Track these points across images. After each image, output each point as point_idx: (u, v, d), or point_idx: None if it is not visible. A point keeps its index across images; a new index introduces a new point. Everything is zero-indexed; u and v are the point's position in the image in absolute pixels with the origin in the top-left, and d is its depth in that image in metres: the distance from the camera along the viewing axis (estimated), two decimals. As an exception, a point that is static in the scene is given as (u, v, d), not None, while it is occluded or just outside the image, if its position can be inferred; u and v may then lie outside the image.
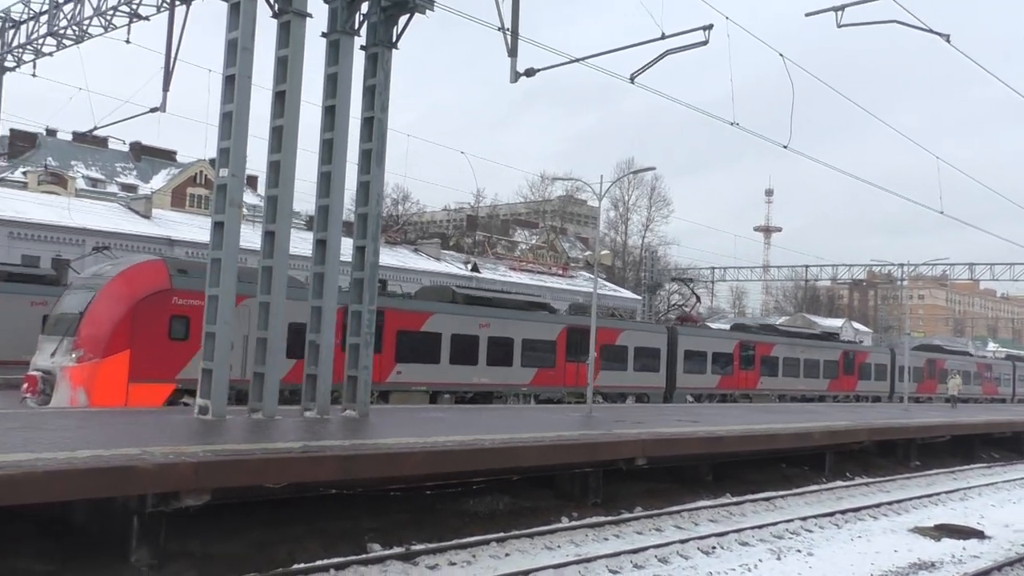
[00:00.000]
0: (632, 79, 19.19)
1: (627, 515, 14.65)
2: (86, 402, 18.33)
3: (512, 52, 18.04)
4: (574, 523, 13.68)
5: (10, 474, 8.22)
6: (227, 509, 10.77)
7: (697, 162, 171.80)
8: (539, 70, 18.88)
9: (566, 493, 15.35)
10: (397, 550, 11.15)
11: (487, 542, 11.92)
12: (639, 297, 69.59)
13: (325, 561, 10.36)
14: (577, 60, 19.29)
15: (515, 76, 18.45)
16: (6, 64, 21.35)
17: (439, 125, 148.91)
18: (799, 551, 13.04)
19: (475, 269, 60.87)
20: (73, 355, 18.94)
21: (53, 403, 18.38)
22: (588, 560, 11.47)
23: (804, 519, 15.35)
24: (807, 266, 59.58)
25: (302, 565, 10.13)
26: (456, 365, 25.83)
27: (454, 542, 11.75)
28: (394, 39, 17.33)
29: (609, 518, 14.21)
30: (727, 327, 47.03)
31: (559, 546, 12.36)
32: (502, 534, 12.36)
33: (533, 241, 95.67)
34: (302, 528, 11.56)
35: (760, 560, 12.29)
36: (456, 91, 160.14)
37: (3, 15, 20.92)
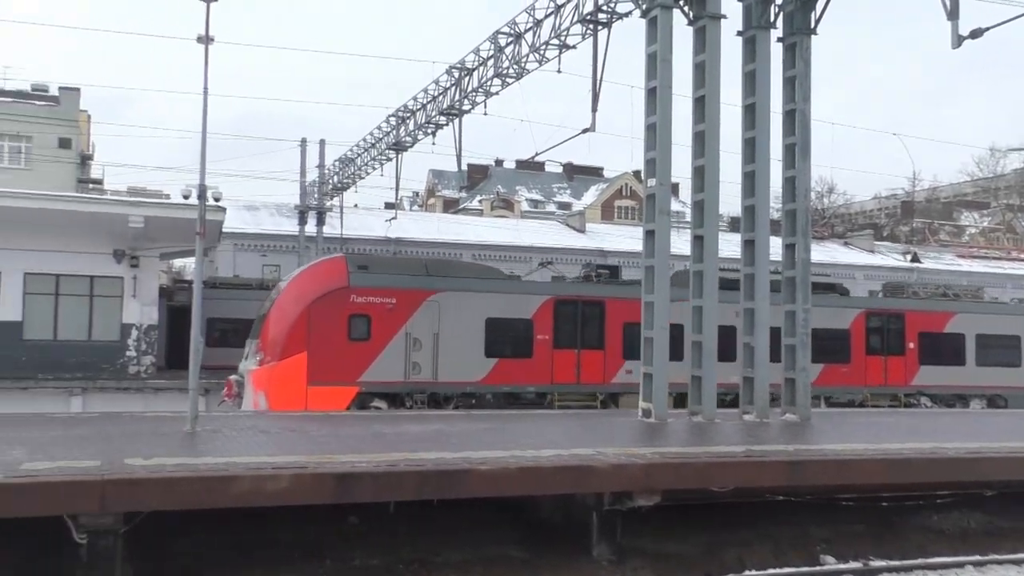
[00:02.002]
0: (1116, 18, 15.95)
1: None
2: (266, 406, 17.83)
3: (952, 14, 16.08)
4: (1072, 550, 11.66)
5: (491, 469, 9.31)
6: (675, 510, 11.04)
7: None
8: (987, 29, 16.57)
9: (1057, 514, 13.17)
10: (854, 564, 10.47)
11: (961, 564, 10.63)
12: None
13: (776, 570, 10.10)
14: (1038, 8, 16.56)
15: (958, 41, 16.39)
16: (463, 108, 24.53)
17: (866, 109, 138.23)
18: None
19: (915, 259, 55.42)
20: (256, 358, 18.76)
21: (243, 406, 18.32)
22: (1096, 596, 9.69)
23: None
24: None
25: (753, 572, 9.98)
26: None
27: (919, 561, 10.70)
28: (812, 25, 16.52)
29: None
30: None
31: (1055, 577, 10.62)
32: (978, 557, 10.96)
33: (984, 224, 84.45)
34: (749, 533, 11.41)
35: None
36: (883, 69, 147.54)
37: (459, 66, 24.07)
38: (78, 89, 38.77)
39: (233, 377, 19.34)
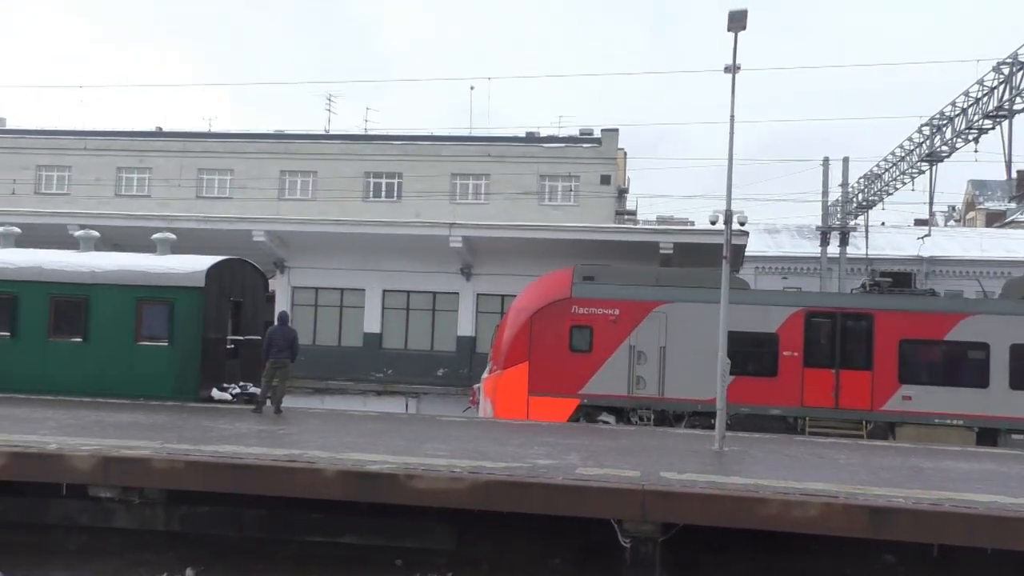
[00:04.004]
0: None
1: None
2: (492, 413, 18.35)
3: None
4: None
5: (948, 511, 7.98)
6: None
7: None
8: None
9: None
10: None
11: None
12: None
13: None
14: None
15: None
16: (1015, 107, 21.51)
17: None
18: None
19: None
20: (489, 367, 19.49)
21: (479, 413, 18.92)
22: None
23: None
24: None
25: None
26: (1022, 391, 17.60)
27: None
28: None
29: None
30: None
31: None
32: None
33: None
34: None
35: None
36: None
37: (1010, 60, 21.23)
38: (616, 130, 42.84)
39: (476, 385, 20.58)
